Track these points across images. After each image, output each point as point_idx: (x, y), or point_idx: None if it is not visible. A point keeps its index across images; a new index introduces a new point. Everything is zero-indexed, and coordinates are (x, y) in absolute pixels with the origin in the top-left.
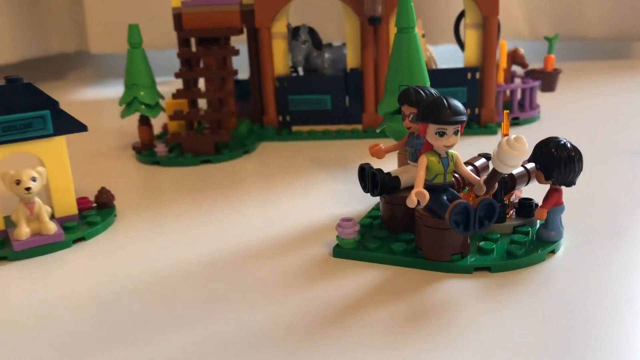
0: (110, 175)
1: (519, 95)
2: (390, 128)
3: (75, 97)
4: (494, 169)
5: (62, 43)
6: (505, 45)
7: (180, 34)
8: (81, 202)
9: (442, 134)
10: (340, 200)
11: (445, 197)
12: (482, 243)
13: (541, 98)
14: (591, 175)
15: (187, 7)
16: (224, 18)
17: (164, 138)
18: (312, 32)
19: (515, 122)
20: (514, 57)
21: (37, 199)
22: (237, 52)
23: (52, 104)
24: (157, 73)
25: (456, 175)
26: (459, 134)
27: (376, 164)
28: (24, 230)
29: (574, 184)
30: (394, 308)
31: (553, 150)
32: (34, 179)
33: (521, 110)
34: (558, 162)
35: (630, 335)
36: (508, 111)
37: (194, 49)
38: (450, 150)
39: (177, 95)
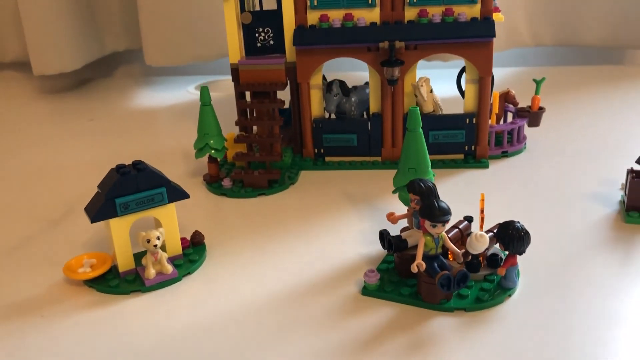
0: (188, 204)
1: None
2: (402, 197)
3: (127, 99)
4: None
5: (115, 43)
6: (497, 96)
7: (237, 88)
8: (182, 242)
9: (434, 226)
10: (367, 239)
11: (436, 264)
12: (461, 290)
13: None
14: (552, 219)
15: (242, 65)
16: (272, 75)
17: (230, 174)
18: (342, 84)
19: (505, 155)
20: (507, 98)
21: (159, 249)
22: (283, 104)
23: (166, 182)
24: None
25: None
26: (446, 224)
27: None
28: (152, 272)
29: (524, 252)
30: (401, 338)
31: (510, 231)
32: (158, 238)
33: (510, 144)
34: (513, 239)
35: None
36: (483, 195)
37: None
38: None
39: (238, 140)
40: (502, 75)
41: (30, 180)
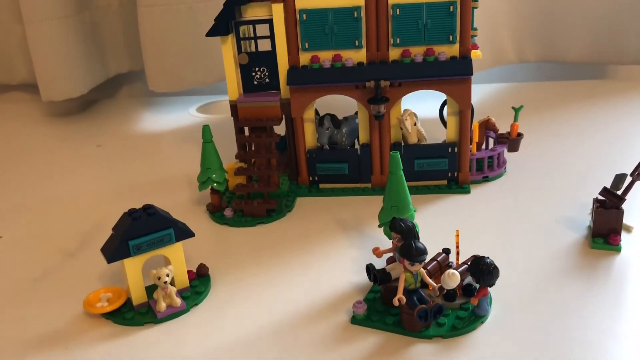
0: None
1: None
2: (386, 231)
3: (131, 122)
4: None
5: (119, 65)
6: (476, 126)
7: (236, 124)
8: (189, 274)
9: (412, 264)
10: (358, 267)
11: (415, 298)
12: (440, 319)
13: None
14: (525, 244)
15: (241, 103)
16: (269, 111)
17: (231, 204)
18: (332, 117)
19: (486, 179)
20: (487, 125)
21: (168, 284)
22: (279, 138)
23: (174, 224)
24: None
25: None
26: (423, 262)
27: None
28: (163, 305)
29: (494, 284)
30: None
31: (481, 266)
32: (167, 275)
33: (490, 169)
34: (483, 273)
35: None
36: (458, 230)
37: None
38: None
39: (238, 172)
40: (488, 91)
41: (44, 209)
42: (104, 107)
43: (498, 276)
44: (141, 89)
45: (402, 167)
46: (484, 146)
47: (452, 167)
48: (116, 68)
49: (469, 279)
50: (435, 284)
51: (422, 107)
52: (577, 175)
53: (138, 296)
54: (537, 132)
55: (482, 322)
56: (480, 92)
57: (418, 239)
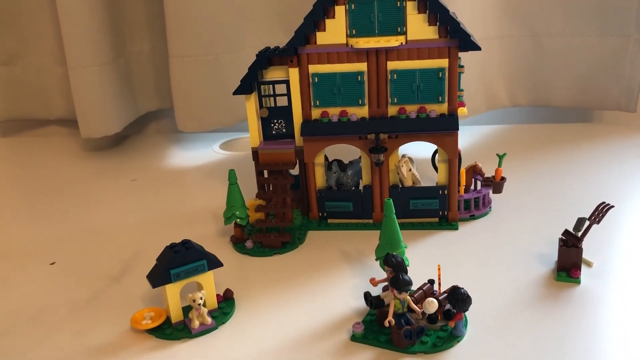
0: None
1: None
2: (381, 264)
3: (160, 157)
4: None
5: (149, 104)
6: (464, 172)
7: (257, 167)
8: (217, 297)
9: (400, 293)
10: (358, 293)
11: (402, 320)
12: (423, 337)
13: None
14: (500, 275)
15: (261, 149)
16: (285, 156)
17: (251, 237)
18: (339, 162)
19: (472, 217)
20: (475, 170)
21: (201, 306)
22: (293, 180)
23: (206, 256)
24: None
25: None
26: (409, 291)
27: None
28: (196, 323)
29: (468, 310)
30: None
31: (456, 295)
32: (201, 298)
33: (477, 209)
34: (458, 301)
35: None
36: (439, 265)
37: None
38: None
39: (257, 209)
40: (484, 132)
41: (87, 239)
42: (134, 142)
43: (471, 303)
44: (168, 125)
45: (394, 211)
46: (472, 187)
47: (443, 206)
48: (146, 106)
49: (449, 305)
50: (419, 309)
51: (418, 149)
52: (553, 215)
53: (176, 315)
54: (523, 173)
55: (459, 341)
56: (476, 134)
57: (406, 272)
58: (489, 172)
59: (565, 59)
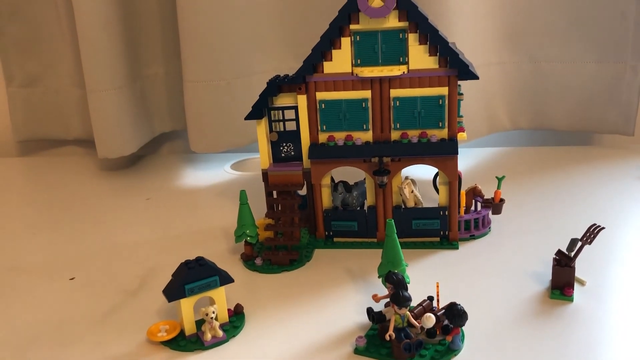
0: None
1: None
2: (383, 281)
3: (173, 177)
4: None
5: (162, 125)
6: (464, 194)
7: (267, 188)
8: (228, 312)
9: (400, 309)
10: (361, 309)
11: (402, 334)
12: (422, 351)
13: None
14: (497, 293)
15: (271, 171)
16: (293, 178)
17: (261, 254)
18: (345, 184)
19: (472, 237)
20: (475, 192)
21: (214, 320)
22: (301, 200)
23: (218, 272)
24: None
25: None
26: (409, 307)
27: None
28: (209, 336)
29: (464, 325)
30: None
31: (453, 311)
32: (213, 312)
33: (476, 229)
34: (455, 316)
35: None
36: (438, 282)
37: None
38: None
39: (267, 228)
40: (486, 154)
41: (104, 256)
42: (149, 162)
43: (467, 318)
44: (181, 146)
45: (396, 231)
46: (472, 208)
47: (444, 227)
48: (160, 128)
49: (447, 321)
50: (418, 324)
51: (420, 172)
52: (550, 236)
53: (189, 328)
54: (522, 194)
55: (455, 354)
56: (478, 156)
57: (406, 289)
58: (488, 194)
59: (564, 84)
